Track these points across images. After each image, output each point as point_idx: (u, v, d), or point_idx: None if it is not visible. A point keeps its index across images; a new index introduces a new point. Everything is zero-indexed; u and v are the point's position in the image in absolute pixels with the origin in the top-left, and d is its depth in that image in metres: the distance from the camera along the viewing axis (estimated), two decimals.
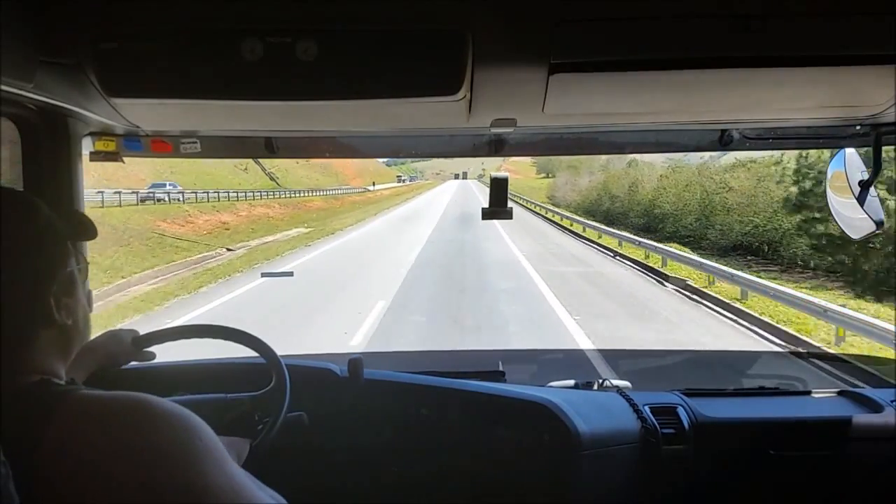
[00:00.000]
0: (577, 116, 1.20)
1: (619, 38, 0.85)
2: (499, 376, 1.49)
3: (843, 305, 7.67)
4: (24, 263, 0.60)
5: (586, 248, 17.00)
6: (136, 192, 21.70)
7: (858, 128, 1.24)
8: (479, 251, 15.08)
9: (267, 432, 1.00)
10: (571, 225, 22.86)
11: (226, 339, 1.12)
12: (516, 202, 35.04)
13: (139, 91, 0.87)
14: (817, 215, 12.45)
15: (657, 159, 33.74)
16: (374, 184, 66.42)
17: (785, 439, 1.37)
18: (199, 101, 0.89)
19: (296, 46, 0.80)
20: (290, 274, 11.01)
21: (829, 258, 12.58)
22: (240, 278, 11.95)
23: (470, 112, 1.04)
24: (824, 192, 1.36)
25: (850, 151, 1.28)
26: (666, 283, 11.15)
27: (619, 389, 1.47)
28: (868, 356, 5.69)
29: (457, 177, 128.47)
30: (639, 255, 14.18)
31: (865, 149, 1.29)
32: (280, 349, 1.13)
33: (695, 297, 10.01)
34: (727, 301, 9.26)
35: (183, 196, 23.77)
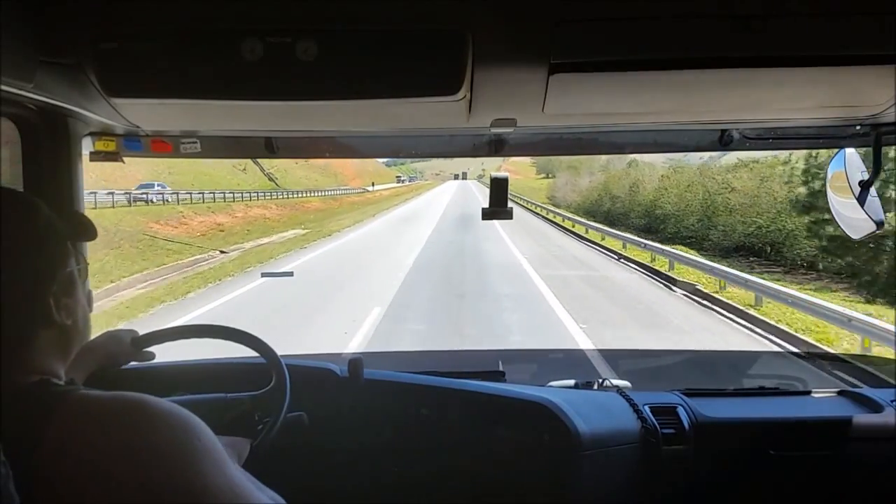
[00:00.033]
0: (577, 116, 1.20)
1: (619, 38, 0.85)
2: (499, 376, 1.49)
3: (870, 314, 7.36)
4: (24, 263, 0.60)
5: (589, 251, 16.58)
6: (129, 193, 21.34)
7: (858, 128, 1.24)
8: (480, 253, 14.76)
9: (267, 432, 1.00)
10: (573, 226, 22.51)
11: (225, 339, 1.12)
12: (516, 203, 34.93)
13: (139, 91, 0.87)
14: (827, 217, 12.16)
15: (657, 159, 33.77)
16: (373, 184, 66.41)
17: (785, 439, 1.37)
18: (198, 101, 0.89)
19: (296, 46, 0.80)
20: (290, 274, 10.99)
21: (839, 260, 12.35)
22: (230, 282, 11.61)
23: (470, 112, 1.04)
24: None
25: (850, 151, 1.28)
26: (674, 288, 10.76)
27: (619, 389, 1.47)
28: (868, 356, 5.68)
29: (456, 177, 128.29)
30: (644, 257, 13.86)
31: (866, 149, 1.29)
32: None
33: (705, 302, 9.62)
34: (741, 307, 8.87)
35: (169, 197, 23.21)
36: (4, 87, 0.84)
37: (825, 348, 7.09)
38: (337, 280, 11.14)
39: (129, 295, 10.72)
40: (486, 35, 0.83)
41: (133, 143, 1.28)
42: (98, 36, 0.81)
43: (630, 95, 1.02)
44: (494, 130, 1.26)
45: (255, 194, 31.74)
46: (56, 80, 0.92)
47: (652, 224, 22.11)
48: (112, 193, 19.41)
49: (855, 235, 1.29)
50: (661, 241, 16.59)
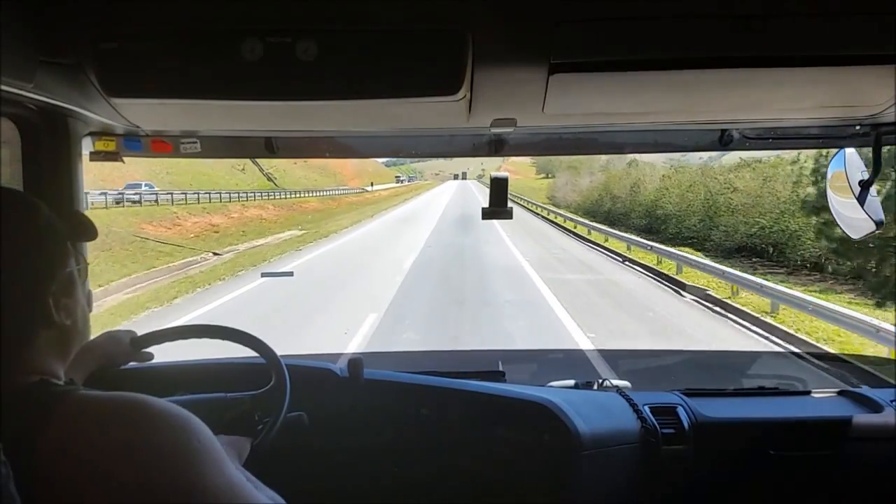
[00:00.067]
0: (576, 116, 1.20)
1: (619, 38, 0.85)
2: (499, 376, 1.49)
3: None
4: (24, 264, 0.60)
5: (593, 253, 16.06)
6: (118, 193, 20.58)
7: (858, 128, 1.24)
8: (480, 256, 14.28)
9: (267, 432, 1.00)
10: (575, 227, 22.06)
11: (225, 339, 1.12)
12: (517, 203, 34.79)
13: (139, 91, 0.87)
14: None
15: (658, 159, 33.76)
16: (372, 184, 66.39)
17: (785, 439, 1.37)
18: (199, 101, 0.89)
19: (296, 46, 0.80)
20: (290, 274, 10.96)
21: (849, 263, 12.01)
22: (221, 286, 11.06)
23: (470, 112, 1.04)
24: None
25: (850, 151, 1.28)
26: (683, 293, 10.26)
27: (618, 389, 1.47)
28: (868, 356, 5.68)
29: (456, 177, 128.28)
30: (649, 260, 13.31)
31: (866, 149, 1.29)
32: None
33: (717, 308, 9.12)
34: (756, 315, 8.36)
35: (157, 196, 22.32)
36: (4, 87, 0.84)
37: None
38: (331, 284, 10.70)
39: (116, 300, 10.28)
40: (486, 35, 0.83)
41: (133, 143, 1.28)
42: (98, 36, 0.81)
43: (630, 95, 1.02)
44: (494, 130, 1.26)
45: (252, 194, 31.17)
46: (56, 80, 0.92)
47: (653, 224, 21.96)
48: (105, 194, 18.98)
49: (855, 235, 1.29)
50: (662, 242, 16.36)
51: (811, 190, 13.03)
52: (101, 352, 1.10)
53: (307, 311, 8.56)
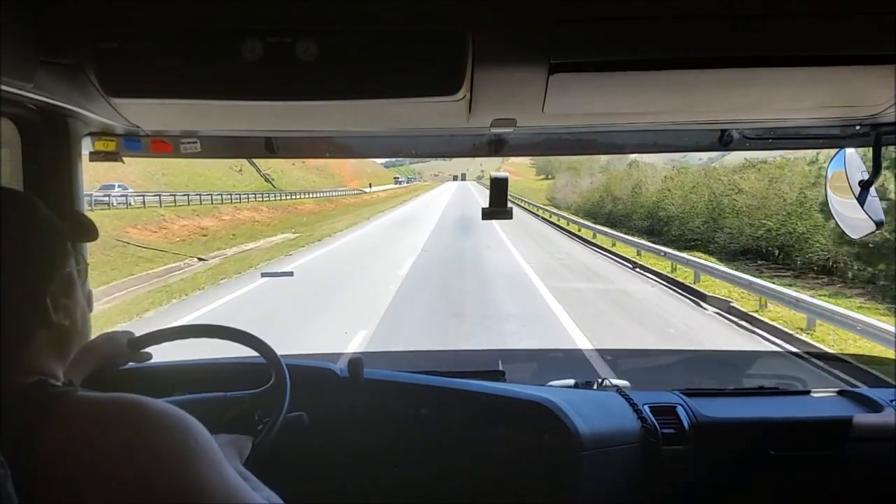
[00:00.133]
0: (576, 116, 1.20)
1: (619, 38, 0.85)
2: (499, 376, 1.49)
3: None
4: (22, 264, 0.60)
5: (599, 258, 15.12)
6: (89, 195, 18.94)
7: (858, 128, 1.25)
8: (480, 262, 13.41)
9: (267, 432, 1.00)
10: (579, 230, 21.05)
11: (224, 338, 1.12)
12: (517, 204, 34.58)
13: (139, 91, 0.87)
14: None
15: (658, 160, 33.67)
16: (370, 185, 66.28)
17: (785, 439, 1.37)
18: (199, 101, 0.89)
19: (296, 46, 0.80)
20: (290, 274, 10.92)
21: (869, 268, 11.17)
22: (199, 297, 10.11)
23: (470, 112, 1.04)
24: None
25: (850, 151, 1.28)
26: (704, 305, 9.35)
27: (618, 389, 1.47)
28: (868, 356, 5.68)
29: (455, 178, 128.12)
30: (662, 266, 12.34)
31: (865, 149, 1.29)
32: None
33: (743, 323, 8.20)
34: (789, 331, 7.52)
35: (132, 199, 20.78)
36: (4, 87, 0.84)
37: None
38: (321, 294, 9.76)
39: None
40: (486, 35, 0.83)
41: (133, 143, 1.28)
42: (98, 36, 0.81)
43: (630, 95, 1.02)
44: (494, 130, 1.26)
45: (246, 196, 29.88)
46: (56, 80, 0.92)
47: (655, 226, 21.66)
48: (90, 195, 17.88)
49: (855, 235, 1.29)
50: (665, 244, 15.96)
51: None
52: (99, 353, 1.10)
53: (295, 323, 7.68)
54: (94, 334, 1.15)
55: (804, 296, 8.31)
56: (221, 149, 1.35)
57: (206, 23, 0.82)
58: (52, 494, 0.53)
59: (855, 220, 1.26)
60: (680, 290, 10.48)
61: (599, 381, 1.53)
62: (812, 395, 1.54)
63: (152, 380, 1.23)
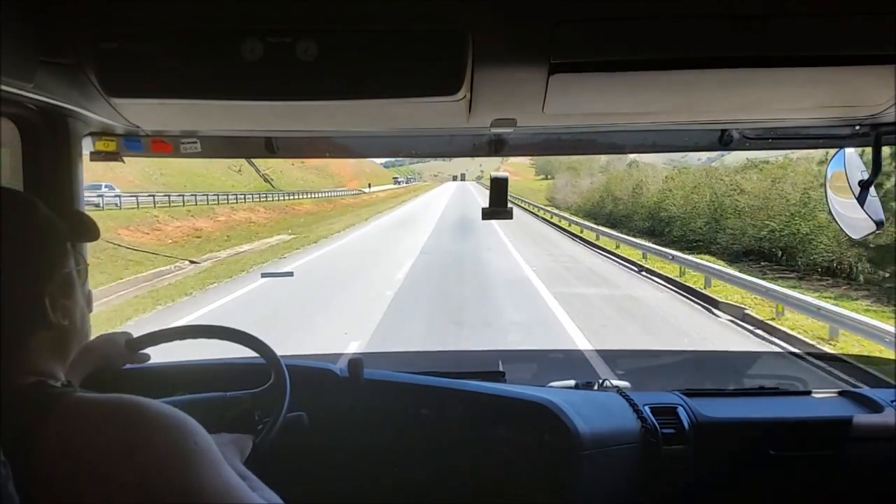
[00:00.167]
0: (576, 116, 1.20)
1: (619, 38, 0.85)
2: (499, 376, 1.49)
3: None
4: (21, 264, 0.60)
5: (603, 260, 14.60)
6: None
7: (858, 128, 1.25)
8: (481, 265, 12.90)
9: (267, 432, 1.00)
10: (581, 231, 20.48)
11: (223, 339, 1.12)
12: (517, 205, 34.41)
13: (139, 91, 0.87)
14: None
15: (658, 160, 33.73)
16: (369, 185, 66.22)
17: (785, 439, 1.37)
18: (199, 101, 0.89)
19: (296, 46, 0.81)
20: (290, 274, 10.91)
21: (882, 272, 10.81)
22: (186, 303, 9.64)
23: (470, 112, 1.04)
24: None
25: (850, 151, 1.28)
26: (717, 312, 8.87)
27: (618, 389, 1.47)
28: (868, 356, 5.68)
29: (455, 179, 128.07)
30: (669, 270, 11.91)
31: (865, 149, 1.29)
32: None
33: (759, 331, 7.76)
34: (810, 342, 7.11)
35: (121, 200, 20.05)
36: (4, 87, 0.84)
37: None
38: (314, 301, 9.24)
39: None
40: (486, 35, 0.83)
41: (133, 143, 1.28)
42: (98, 36, 0.81)
43: (630, 95, 1.02)
44: (494, 130, 1.26)
45: (244, 196, 29.24)
46: (56, 80, 0.92)
47: (656, 227, 21.41)
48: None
49: (855, 235, 1.29)
50: (666, 245, 15.76)
51: None
52: (97, 354, 1.09)
53: (281, 335, 6.58)
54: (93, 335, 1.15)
55: (828, 304, 7.79)
56: (221, 149, 1.35)
57: (206, 23, 0.82)
58: (51, 495, 0.53)
59: (855, 220, 1.26)
60: (690, 296, 10.06)
61: (600, 381, 1.53)
62: (812, 395, 1.54)
63: (152, 380, 1.23)
